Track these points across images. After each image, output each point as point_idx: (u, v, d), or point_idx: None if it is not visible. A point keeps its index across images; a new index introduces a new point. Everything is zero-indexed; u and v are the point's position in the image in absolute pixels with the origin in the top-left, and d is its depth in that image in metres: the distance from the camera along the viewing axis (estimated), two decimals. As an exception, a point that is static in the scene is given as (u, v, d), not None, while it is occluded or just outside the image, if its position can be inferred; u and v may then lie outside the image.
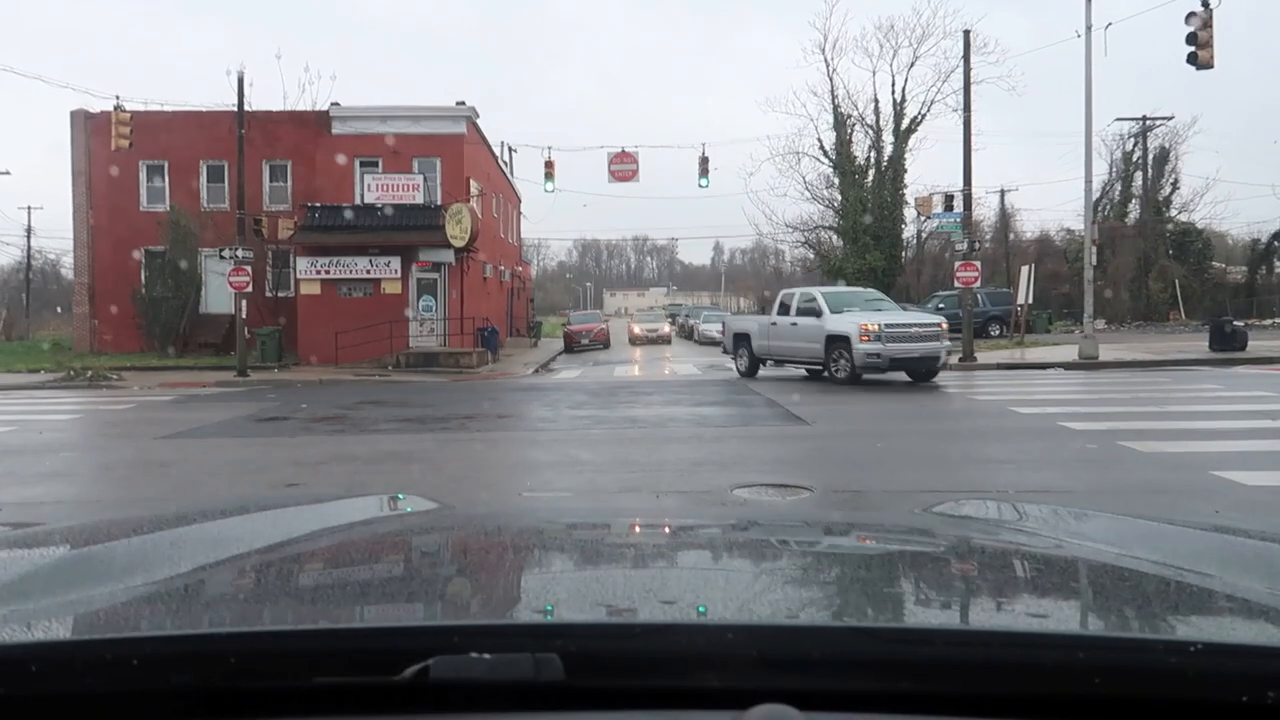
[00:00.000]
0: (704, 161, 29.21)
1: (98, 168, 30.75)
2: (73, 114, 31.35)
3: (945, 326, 18.52)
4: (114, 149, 24.15)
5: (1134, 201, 51.43)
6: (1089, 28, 22.98)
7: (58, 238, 63.16)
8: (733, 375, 22.23)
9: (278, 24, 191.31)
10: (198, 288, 30.36)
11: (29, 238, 56.15)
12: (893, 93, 37.12)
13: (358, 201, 28.83)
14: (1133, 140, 50.46)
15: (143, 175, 31.22)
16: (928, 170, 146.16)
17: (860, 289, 23.09)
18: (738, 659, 1.00)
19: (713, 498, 7.70)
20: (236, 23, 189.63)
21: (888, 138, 37.49)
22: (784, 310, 19.88)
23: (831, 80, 37.45)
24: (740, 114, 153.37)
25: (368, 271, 28.08)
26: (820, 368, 18.79)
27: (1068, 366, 22.10)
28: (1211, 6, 18.69)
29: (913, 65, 36.74)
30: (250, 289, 24.60)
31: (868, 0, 38.56)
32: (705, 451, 10.37)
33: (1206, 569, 1.40)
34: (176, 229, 29.52)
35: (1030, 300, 28.58)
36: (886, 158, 37.53)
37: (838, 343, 17.84)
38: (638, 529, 2.06)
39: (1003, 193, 56.41)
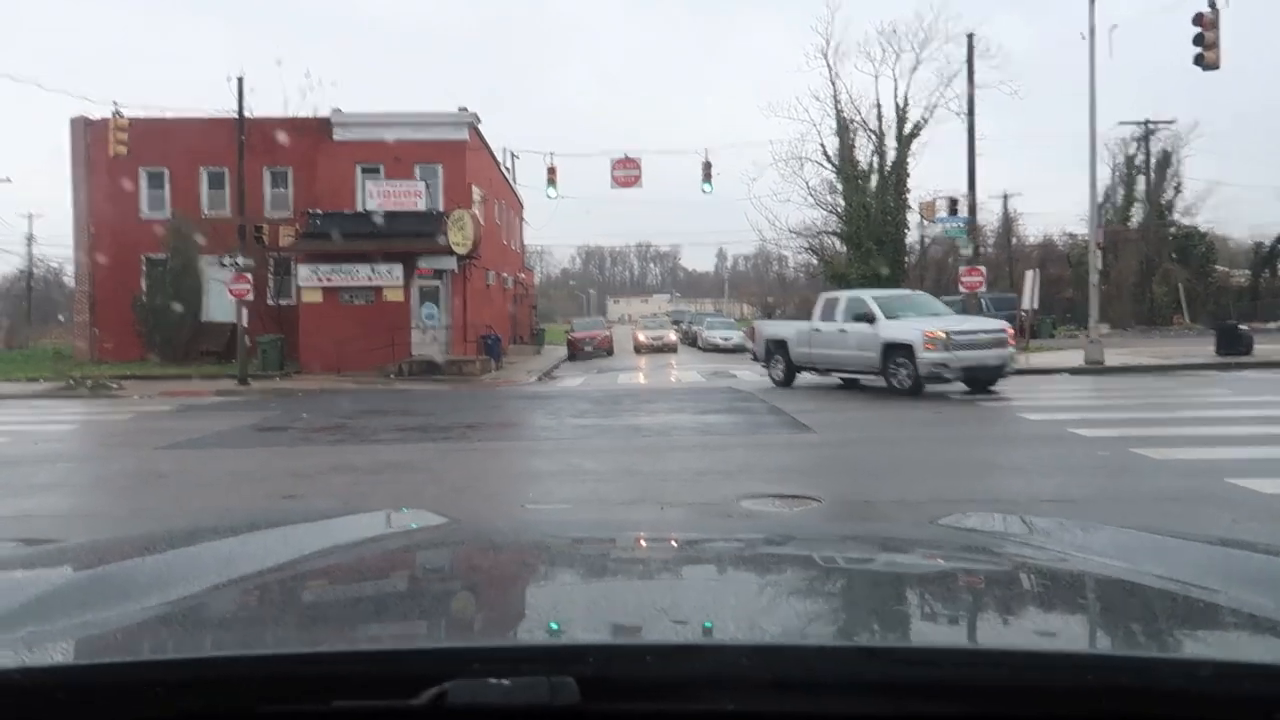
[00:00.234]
0: (707, 166, 29.08)
1: (98, 175, 30.68)
2: (72, 121, 31.29)
3: (1011, 332, 17.49)
4: (112, 155, 24.12)
5: (1136, 205, 51.36)
6: (1092, 30, 22.88)
7: (59, 245, 63.36)
8: (736, 383, 22.08)
9: (278, 29, 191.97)
10: (199, 296, 30.26)
11: (30, 245, 56.23)
12: (895, 97, 36.84)
13: (359, 208, 28.76)
14: (1135, 144, 50.47)
15: (143, 182, 31.13)
16: (931, 175, 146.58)
17: (908, 291, 22.05)
18: (752, 681, 1.00)
19: (719, 509, 7.55)
20: (237, 27, 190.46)
21: (890, 143, 37.30)
22: (827, 315, 18.77)
23: (834, 85, 37.16)
24: (742, 118, 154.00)
25: (369, 279, 27.98)
26: (873, 377, 17.72)
27: (1074, 372, 21.94)
28: (1219, 7, 18.58)
29: (915, 69, 36.50)
30: (251, 297, 24.49)
31: (870, 4, 38.17)
32: (711, 460, 10.22)
33: (1215, 585, 1.40)
34: (177, 236, 29.44)
35: (1035, 305, 28.41)
36: (889, 163, 37.35)
37: (897, 351, 16.69)
38: (648, 545, 2.05)
39: (1005, 197, 56.43)
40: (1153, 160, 50.41)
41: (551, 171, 29.62)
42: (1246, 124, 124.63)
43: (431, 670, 0.97)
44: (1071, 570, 1.64)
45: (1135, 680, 1.01)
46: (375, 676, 1.02)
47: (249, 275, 24.21)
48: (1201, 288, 48.60)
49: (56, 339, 41.61)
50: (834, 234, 39.68)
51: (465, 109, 30.94)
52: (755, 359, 21.78)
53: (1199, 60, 18.77)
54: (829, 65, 36.96)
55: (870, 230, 36.72)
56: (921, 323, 16.94)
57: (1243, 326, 24.99)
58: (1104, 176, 48.27)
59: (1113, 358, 23.20)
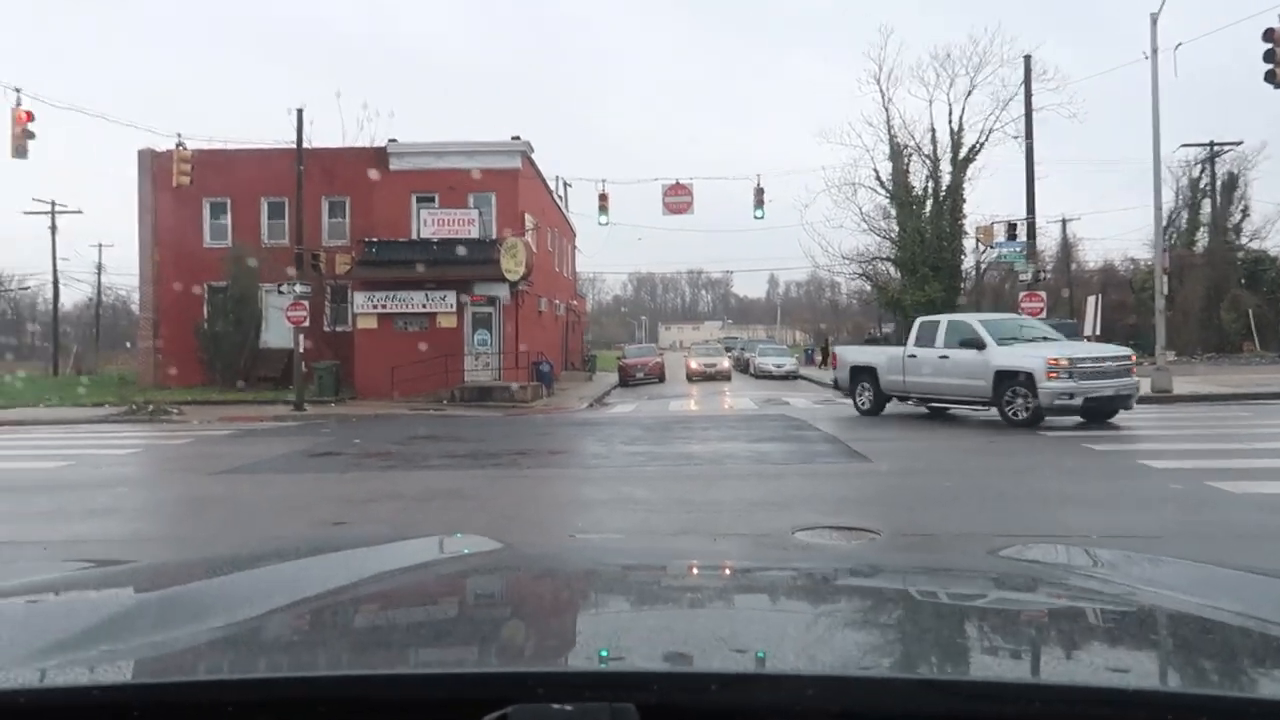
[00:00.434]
0: (759, 192, 28.94)
1: (163, 205, 31.51)
2: (140, 153, 32.21)
3: (1135, 359, 16.45)
4: (175, 186, 24.67)
5: (1202, 229, 50.05)
6: (1155, 50, 22.34)
7: (127, 274, 65.16)
8: (790, 410, 21.76)
9: (338, 62, 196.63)
10: (258, 322, 30.81)
11: (99, 274, 57.82)
12: (950, 122, 36.53)
13: (414, 236, 29.09)
14: (1199, 167, 49.25)
15: (206, 212, 31.91)
16: (987, 200, 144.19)
17: (1013, 315, 21.14)
18: (814, 712, 0.99)
19: (773, 541, 7.33)
20: (299, 62, 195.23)
21: (945, 167, 36.91)
22: (924, 341, 17.64)
23: (887, 110, 36.96)
24: (794, 144, 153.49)
25: (423, 306, 28.23)
26: (982, 407, 16.73)
27: (1141, 400, 21.21)
28: (1290, 24, 17.98)
29: (970, 94, 36.13)
30: (308, 323, 24.86)
31: (922, 30, 37.97)
32: (764, 490, 9.99)
33: None
34: (237, 264, 30.03)
35: (1098, 331, 27.69)
36: (944, 187, 36.91)
37: (1013, 380, 15.54)
38: (704, 573, 2.05)
39: (1064, 222, 55.37)
40: (1218, 183, 49.11)
41: (603, 198, 29.72)
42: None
43: (495, 694, 0.99)
44: (1141, 604, 1.58)
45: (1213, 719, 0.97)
46: (439, 699, 1.04)
47: (306, 302, 24.58)
48: (1272, 314, 47.00)
49: (124, 365, 42.66)
50: (888, 260, 39.27)
51: (518, 138, 31.23)
52: (836, 387, 20.88)
53: (1270, 78, 18.16)
54: (882, 91, 36.78)
55: (925, 256, 36.26)
56: (1040, 349, 15.85)
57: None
58: (1167, 200, 47.06)
59: (1181, 385, 22.43)
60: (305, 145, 26.10)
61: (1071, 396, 14.97)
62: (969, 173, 36.62)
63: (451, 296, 28.06)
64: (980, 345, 16.35)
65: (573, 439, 17.07)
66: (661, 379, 39.97)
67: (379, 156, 30.58)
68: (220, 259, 30.54)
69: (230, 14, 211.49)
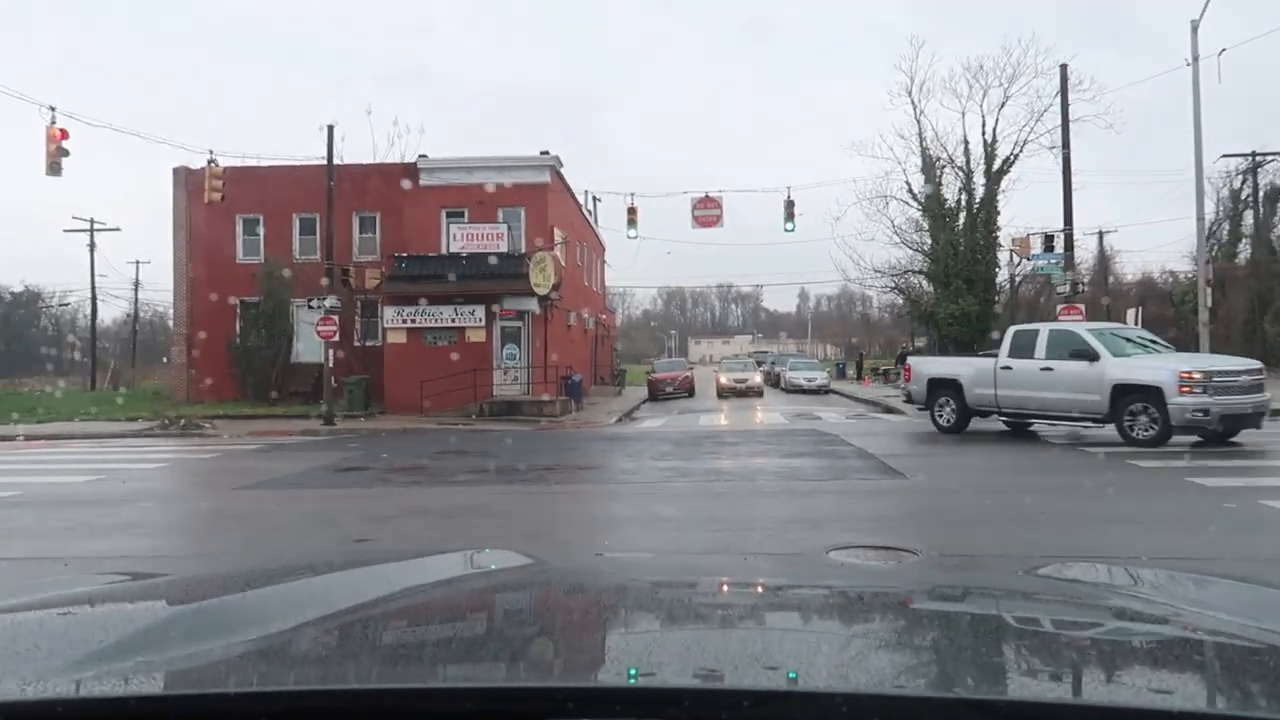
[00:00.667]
0: (789, 205, 28.66)
1: (197, 221, 31.82)
2: (174, 170, 32.57)
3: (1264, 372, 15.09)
4: (207, 202, 24.86)
5: (1244, 241, 49.03)
6: (1196, 58, 21.91)
7: (163, 290, 66.01)
8: (821, 425, 21.41)
9: (369, 79, 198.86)
10: (289, 337, 30.97)
11: (136, 290, 58.56)
12: (983, 133, 35.99)
13: (444, 251, 29.10)
14: (1241, 178, 48.30)
15: (239, 228, 32.17)
16: (1021, 212, 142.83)
17: (1121, 325, 19.87)
18: None
19: (806, 560, 7.06)
20: (332, 79, 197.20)
21: (979, 179, 36.38)
22: (1021, 351, 16.37)
23: (919, 122, 36.50)
24: (824, 157, 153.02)
25: (453, 320, 28.21)
26: (1094, 424, 15.49)
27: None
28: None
29: (1003, 105, 35.58)
30: (338, 338, 24.91)
31: (955, 42, 37.67)
32: (796, 508, 9.72)
33: None
34: (269, 280, 30.22)
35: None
36: (978, 200, 36.40)
37: (1137, 394, 14.36)
38: (735, 590, 2.02)
39: (1101, 234, 54.48)
40: (1261, 193, 48.14)
41: (632, 212, 29.60)
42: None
43: (526, 709, 1.00)
44: (1185, 625, 1.55)
45: None
46: (470, 714, 1.04)
47: (335, 317, 24.63)
48: (1318, 327, 45.90)
49: (160, 379, 43.09)
50: (921, 273, 38.76)
51: (547, 152, 31.21)
52: (910, 400, 19.52)
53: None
54: (913, 103, 36.35)
55: (959, 269, 35.76)
56: (1166, 360, 14.89)
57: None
58: (1208, 211, 46.17)
59: (1225, 400, 21.78)
60: (336, 161, 26.21)
61: (1206, 413, 13.76)
62: (1003, 184, 36.09)
63: (480, 310, 28.02)
64: (1093, 356, 15.15)
65: (601, 454, 16.86)
66: (691, 393, 39.64)
67: (409, 172, 30.67)
68: (253, 274, 30.76)
69: (262, 32, 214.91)
